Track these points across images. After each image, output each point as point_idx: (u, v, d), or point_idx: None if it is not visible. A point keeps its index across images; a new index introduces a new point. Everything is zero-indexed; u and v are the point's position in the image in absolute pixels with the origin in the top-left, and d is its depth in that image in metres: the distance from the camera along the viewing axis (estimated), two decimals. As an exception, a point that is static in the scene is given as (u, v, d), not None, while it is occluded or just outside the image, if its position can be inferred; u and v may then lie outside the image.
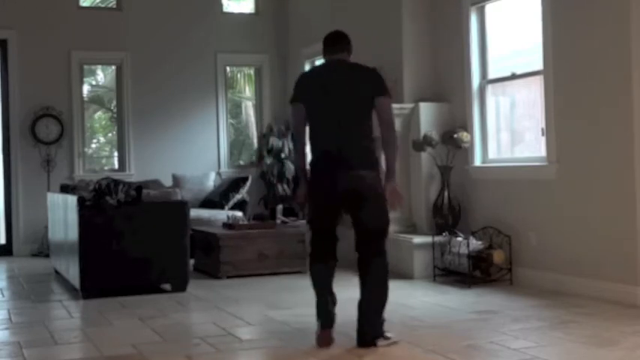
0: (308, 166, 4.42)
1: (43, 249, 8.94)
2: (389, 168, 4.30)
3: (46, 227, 8.40)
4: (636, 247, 5.12)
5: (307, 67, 9.81)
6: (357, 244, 4.34)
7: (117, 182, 6.15)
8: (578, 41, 5.57)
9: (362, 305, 4.30)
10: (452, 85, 6.97)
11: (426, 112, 6.90)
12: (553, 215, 5.84)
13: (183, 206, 6.39)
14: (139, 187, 6.31)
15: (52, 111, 9.30)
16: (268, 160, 9.67)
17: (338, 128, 4.24)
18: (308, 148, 4.46)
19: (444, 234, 6.51)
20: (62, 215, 6.82)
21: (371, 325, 4.26)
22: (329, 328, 4.31)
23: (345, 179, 4.19)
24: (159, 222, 6.25)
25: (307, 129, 4.41)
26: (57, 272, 7.34)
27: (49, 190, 8.78)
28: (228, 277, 6.86)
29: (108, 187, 6.06)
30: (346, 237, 4.44)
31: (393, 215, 6.97)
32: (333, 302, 4.38)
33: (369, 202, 4.24)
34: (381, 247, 4.30)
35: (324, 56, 4.48)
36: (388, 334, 4.28)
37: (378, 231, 4.29)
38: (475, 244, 6.20)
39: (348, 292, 4.58)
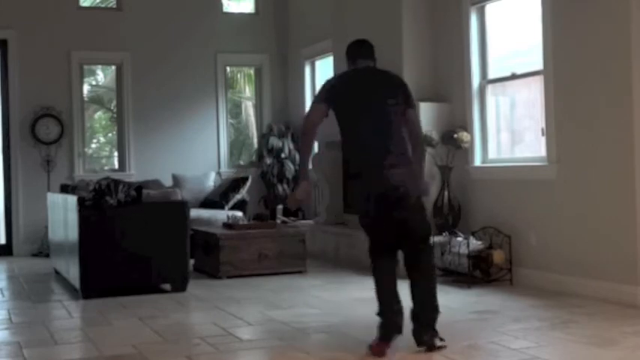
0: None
1: (43, 249, 8.94)
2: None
3: (46, 227, 8.39)
4: (636, 247, 5.12)
5: (307, 68, 9.84)
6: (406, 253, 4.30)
7: (117, 182, 6.15)
8: (578, 41, 5.57)
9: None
10: (452, 85, 6.97)
11: (426, 112, 6.89)
12: (553, 215, 5.84)
13: (183, 206, 6.39)
14: (139, 187, 6.31)
15: (52, 111, 9.30)
16: (268, 160, 9.68)
17: (381, 134, 4.18)
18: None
19: (444, 234, 6.51)
20: (62, 215, 6.82)
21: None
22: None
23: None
24: (159, 222, 6.25)
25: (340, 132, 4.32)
26: (57, 272, 7.34)
27: (49, 190, 8.78)
28: (228, 277, 6.86)
29: (108, 187, 6.06)
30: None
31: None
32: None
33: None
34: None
35: (355, 60, 4.40)
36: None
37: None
38: (475, 244, 6.19)
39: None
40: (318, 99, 4.31)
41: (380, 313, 4.20)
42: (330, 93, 4.28)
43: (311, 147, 4.43)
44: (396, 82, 4.37)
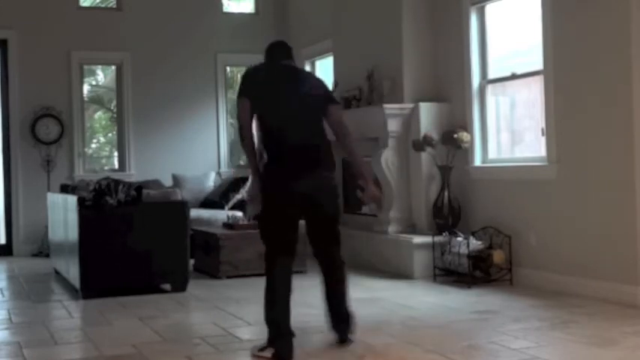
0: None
1: (43, 249, 8.94)
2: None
3: (46, 227, 8.40)
4: (636, 247, 5.12)
5: (307, 68, 9.82)
6: (320, 247, 4.61)
7: (117, 182, 6.15)
8: (578, 41, 5.57)
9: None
10: (452, 85, 6.97)
11: (426, 112, 6.90)
12: (553, 215, 5.84)
13: (183, 206, 6.39)
14: (139, 187, 6.31)
15: (52, 111, 9.30)
16: (268, 160, 9.66)
17: (300, 130, 4.24)
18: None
19: (444, 234, 6.51)
20: (62, 215, 6.82)
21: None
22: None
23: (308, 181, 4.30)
24: (159, 222, 6.25)
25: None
26: (57, 272, 7.34)
27: (49, 190, 8.78)
28: (228, 277, 6.86)
29: (108, 187, 6.06)
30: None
31: (393, 215, 7.04)
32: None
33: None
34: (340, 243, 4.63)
35: (273, 59, 4.39)
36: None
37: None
38: (475, 244, 6.19)
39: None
40: (241, 93, 4.26)
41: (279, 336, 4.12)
42: (249, 87, 4.26)
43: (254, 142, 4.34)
44: (316, 80, 4.48)
